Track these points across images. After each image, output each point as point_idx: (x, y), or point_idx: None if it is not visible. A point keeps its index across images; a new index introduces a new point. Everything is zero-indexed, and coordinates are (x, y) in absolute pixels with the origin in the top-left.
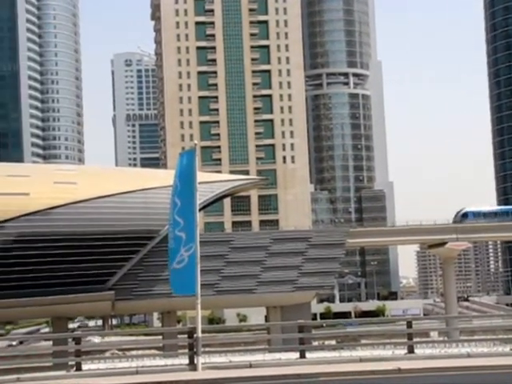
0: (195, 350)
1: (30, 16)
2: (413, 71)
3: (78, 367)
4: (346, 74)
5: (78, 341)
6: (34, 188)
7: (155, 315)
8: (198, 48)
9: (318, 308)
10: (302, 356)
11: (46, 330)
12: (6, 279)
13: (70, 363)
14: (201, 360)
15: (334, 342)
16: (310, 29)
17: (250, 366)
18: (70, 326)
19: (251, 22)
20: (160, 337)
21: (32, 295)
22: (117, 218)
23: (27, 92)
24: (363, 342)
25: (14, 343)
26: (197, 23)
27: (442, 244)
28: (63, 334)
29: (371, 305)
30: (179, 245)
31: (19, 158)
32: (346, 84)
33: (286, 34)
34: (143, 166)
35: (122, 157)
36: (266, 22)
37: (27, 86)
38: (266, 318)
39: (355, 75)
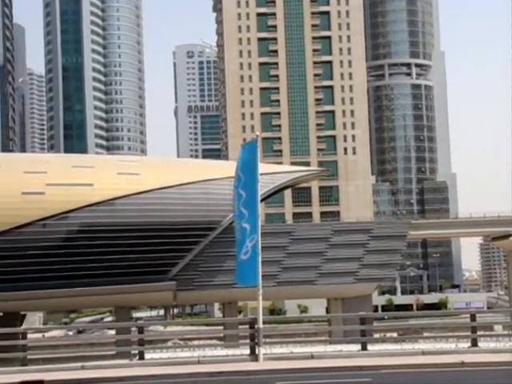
0: (256, 340)
1: (94, 9)
2: (476, 61)
3: (141, 356)
4: (408, 65)
5: (141, 330)
6: (97, 179)
7: (216, 305)
8: (260, 39)
9: (379, 300)
10: (364, 348)
11: (109, 318)
12: (70, 268)
13: (132, 352)
14: (262, 350)
15: (395, 335)
16: (372, 19)
17: (312, 357)
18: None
19: (312, 13)
20: (221, 327)
21: (95, 284)
22: (179, 208)
23: (91, 84)
24: (425, 334)
25: (70, 333)
26: (258, 14)
27: (507, 236)
28: (126, 323)
29: (433, 297)
30: (245, 236)
31: (83, 149)
32: (409, 75)
33: (348, 24)
34: (204, 157)
35: (183, 148)
36: (327, 13)
37: (91, 78)
38: (327, 310)
39: (418, 66)
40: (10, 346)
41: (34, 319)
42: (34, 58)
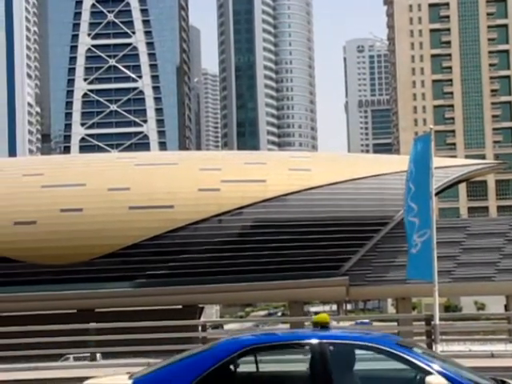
0: (433, 337)
1: (266, 7)
2: None
3: None
4: None
5: (316, 325)
6: (270, 175)
7: (389, 301)
8: (432, 31)
9: None
10: None
11: (279, 314)
12: (245, 263)
13: None
14: (439, 348)
15: None
16: None
17: (492, 355)
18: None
19: (488, 1)
20: (395, 323)
21: (269, 279)
22: (351, 203)
23: (263, 82)
24: None
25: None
26: (430, 5)
27: None
28: (300, 317)
29: None
30: (412, 230)
31: (255, 146)
32: None
33: None
34: (375, 151)
35: (354, 143)
36: (503, 0)
37: (263, 76)
38: (506, 307)
39: None
40: (188, 338)
41: (212, 312)
42: (208, 59)
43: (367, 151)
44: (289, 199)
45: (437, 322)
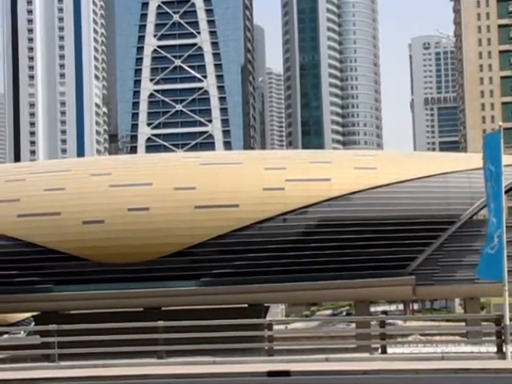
0: (503, 337)
1: (330, 6)
2: None
3: (384, 350)
4: None
5: (382, 324)
6: (335, 174)
7: (457, 301)
8: (500, 26)
9: None
10: None
11: (343, 313)
12: (310, 262)
13: (372, 346)
14: (510, 349)
15: None
16: None
17: None
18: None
19: None
20: (463, 323)
21: (335, 278)
22: (416, 202)
23: (327, 80)
24: None
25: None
26: (498, 0)
27: None
28: (367, 316)
29: None
30: (493, 230)
31: (320, 145)
32: None
33: None
34: (442, 149)
35: (420, 141)
36: None
37: (327, 75)
38: None
39: None
40: (254, 337)
41: (277, 311)
42: (273, 58)
43: (433, 149)
44: (354, 198)
45: (507, 322)
